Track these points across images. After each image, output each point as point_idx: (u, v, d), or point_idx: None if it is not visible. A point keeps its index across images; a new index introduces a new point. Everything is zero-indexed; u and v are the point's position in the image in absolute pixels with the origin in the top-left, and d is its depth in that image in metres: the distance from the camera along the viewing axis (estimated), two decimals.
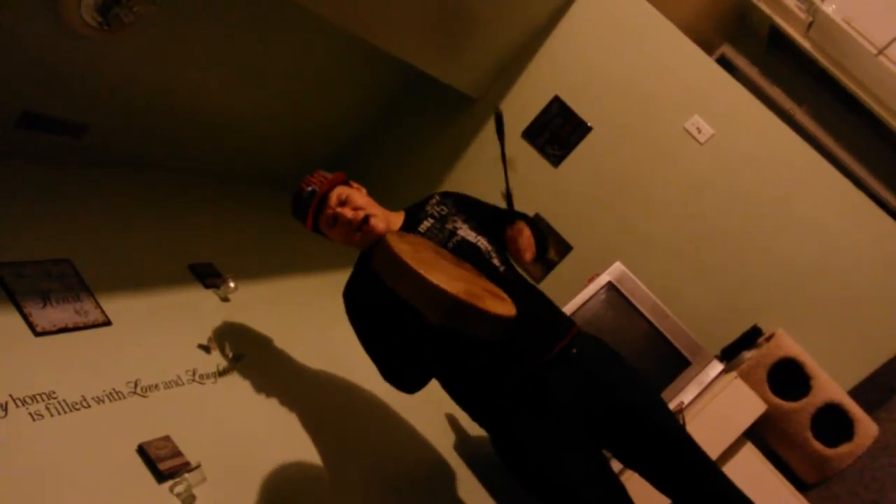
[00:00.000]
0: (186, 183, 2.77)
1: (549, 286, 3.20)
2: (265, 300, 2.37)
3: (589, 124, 3.25)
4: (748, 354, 2.80)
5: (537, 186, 3.31)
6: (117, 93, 2.21)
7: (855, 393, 2.77)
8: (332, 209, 1.73)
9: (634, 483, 1.75)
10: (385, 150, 3.71)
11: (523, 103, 3.34)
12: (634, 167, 3.19)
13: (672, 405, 2.57)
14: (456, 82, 3.16)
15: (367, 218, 1.72)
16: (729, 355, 2.88)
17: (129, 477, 1.38)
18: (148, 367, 1.67)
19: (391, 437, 2.19)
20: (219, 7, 2.23)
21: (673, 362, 2.69)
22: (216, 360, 1.88)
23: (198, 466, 1.45)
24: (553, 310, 1.84)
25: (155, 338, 1.80)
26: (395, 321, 1.62)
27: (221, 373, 1.84)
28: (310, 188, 1.75)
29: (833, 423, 2.59)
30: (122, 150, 2.44)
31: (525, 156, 3.33)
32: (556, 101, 3.28)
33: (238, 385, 1.86)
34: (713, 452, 2.21)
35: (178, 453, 1.47)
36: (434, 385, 1.79)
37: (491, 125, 3.51)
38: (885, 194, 4.10)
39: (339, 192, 1.76)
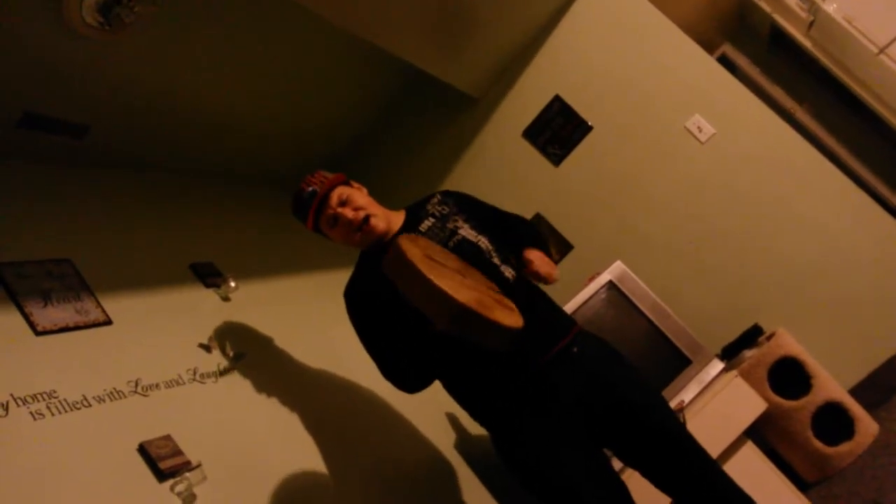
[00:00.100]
0: (187, 183, 2.77)
1: (549, 285, 3.19)
2: (266, 300, 2.37)
3: (590, 124, 3.25)
4: (749, 353, 2.80)
5: (538, 186, 3.31)
6: (118, 93, 2.21)
7: (855, 392, 2.77)
8: (332, 209, 1.73)
9: (635, 482, 1.75)
10: (385, 150, 3.71)
11: (524, 103, 3.34)
12: (635, 166, 3.19)
13: (673, 404, 2.57)
14: (456, 82, 3.16)
15: (367, 218, 1.73)
16: (729, 354, 2.88)
17: (129, 476, 1.38)
18: (149, 366, 1.67)
19: (391, 437, 2.19)
20: (219, 7, 2.23)
21: (673, 361, 2.69)
22: (217, 359, 1.88)
23: (198, 465, 1.46)
24: (554, 309, 1.85)
25: (156, 337, 1.80)
26: (399, 323, 1.62)
27: (222, 372, 1.84)
28: (310, 188, 1.75)
29: (833, 422, 2.59)
30: (122, 150, 2.44)
31: (526, 155, 3.34)
32: (557, 100, 3.28)
33: (239, 384, 1.86)
34: (714, 451, 2.21)
35: (178, 452, 1.48)
36: (434, 384, 1.79)
37: (491, 125, 3.56)
38: (886, 193, 4.10)
39: (340, 192, 1.76)
